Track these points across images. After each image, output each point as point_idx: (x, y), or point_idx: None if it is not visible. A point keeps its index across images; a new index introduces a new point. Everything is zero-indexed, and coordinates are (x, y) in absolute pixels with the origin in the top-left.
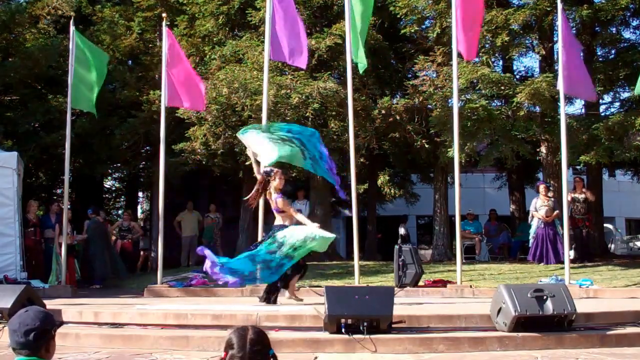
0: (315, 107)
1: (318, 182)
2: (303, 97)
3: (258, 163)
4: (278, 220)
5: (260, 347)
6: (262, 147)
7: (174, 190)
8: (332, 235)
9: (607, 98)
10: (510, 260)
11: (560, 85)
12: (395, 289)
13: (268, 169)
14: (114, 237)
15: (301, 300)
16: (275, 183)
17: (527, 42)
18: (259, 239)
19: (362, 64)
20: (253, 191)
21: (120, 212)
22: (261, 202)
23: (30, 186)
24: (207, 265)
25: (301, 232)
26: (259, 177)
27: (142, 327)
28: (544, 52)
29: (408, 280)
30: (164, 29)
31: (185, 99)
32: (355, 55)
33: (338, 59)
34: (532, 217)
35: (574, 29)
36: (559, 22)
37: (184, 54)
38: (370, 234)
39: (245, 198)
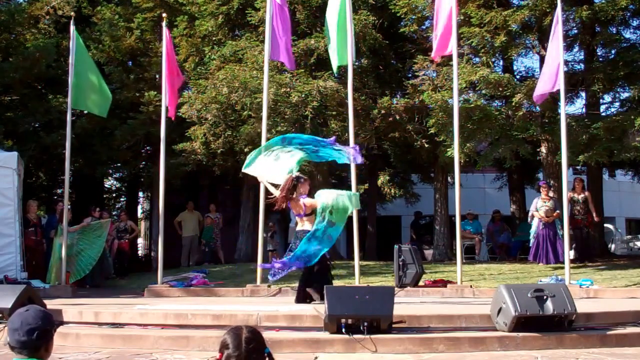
0: (315, 106)
1: (318, 182)
2: (303, 95)
3: (274, 185)
4: (300, 226)
5: (256, 345)
6: (273, 167)
7: (174, 190)
8: (356, 193)
9: (607, 98)
10: (510, 260)
11: (561, 85)
12: (396, 288)
13: (297, 174)
14: (111, 237)
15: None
16: (302, 189)
17: (526, 42)
18: (260, 239)
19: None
20: (280, 193)
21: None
22: (261, 202)
23: (30, 186)
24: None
25: (329, 194)
26: (278, 194)
27: (142, 327)
28: (543, 52)
29: (408, 280)
30: (164, 30)
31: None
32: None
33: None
34: (532, 216)
35: (574, 29)
36: (558, 22)
37: (174, 56)
38: (370, 234)
39: (271, 198)
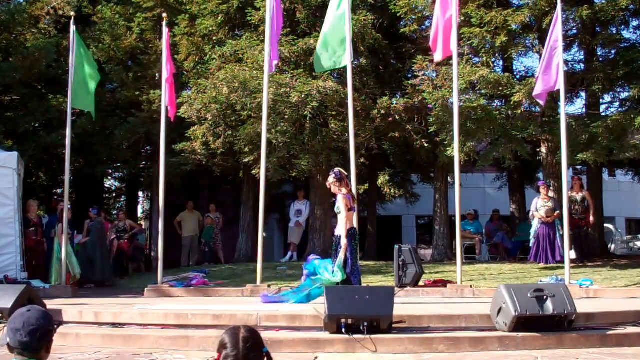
0: (315, 106)
1: (318, 182)
2: (302, 95)
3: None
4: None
5: (253, 345)
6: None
7: (174, 190)
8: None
9: (607, 98)
10: (510, 260)
11: (561, 85)
12: (396, 289)
13: (337, 170)
14: (112, 238)
15: None
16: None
17: (526, 42)
18: (260, 239)
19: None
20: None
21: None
22: (261, 202)
23: (30, 186)
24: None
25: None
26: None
27: (142, 327)
28: (543, 51)
29: (408, 280)
30: (164, 29)
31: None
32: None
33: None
34: (533, 216)
35: (574, 29)
36: (557, 22)
37: (170, 58)
38: (370, 234)
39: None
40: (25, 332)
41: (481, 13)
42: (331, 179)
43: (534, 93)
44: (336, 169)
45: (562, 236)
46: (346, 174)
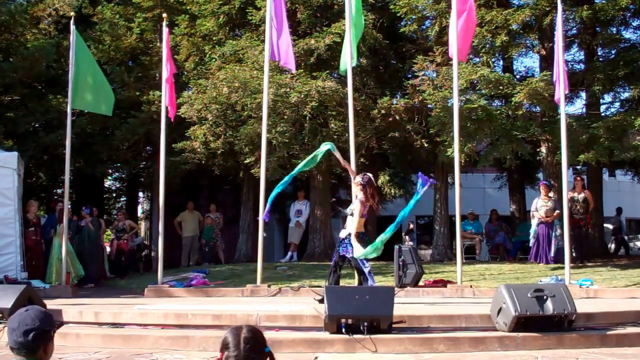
0: (314, 106)
1: (318, 182)
2: (302, 95)
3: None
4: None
5: (255, 345)
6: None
7: (174, 191)
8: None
9: (607, 98)
10: (510, 260)
11: (561, 85)
12: (396, 289)
13: (366, 176)
14: (111, 237)
15: None
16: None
17: (527, 42)
18: (260, 239)
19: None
20: (370, 197)
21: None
22: (261, 202)
23: (30, 186)
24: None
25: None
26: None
27: (142, 327)
28: (544, 52)
29: (408, 280)
30: (164, 29)
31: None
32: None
33: (337, 58)
34: (533, 216)
35: (574, 29)
36: (558, 23)
37: (170, 58)
38: (370, 234)
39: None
40: (20, 332)
41: (482, 12)
42: (358, 179)
43: (556, 97)
44: (368, 175)
45: (557, 236)
46: (375, 184)
